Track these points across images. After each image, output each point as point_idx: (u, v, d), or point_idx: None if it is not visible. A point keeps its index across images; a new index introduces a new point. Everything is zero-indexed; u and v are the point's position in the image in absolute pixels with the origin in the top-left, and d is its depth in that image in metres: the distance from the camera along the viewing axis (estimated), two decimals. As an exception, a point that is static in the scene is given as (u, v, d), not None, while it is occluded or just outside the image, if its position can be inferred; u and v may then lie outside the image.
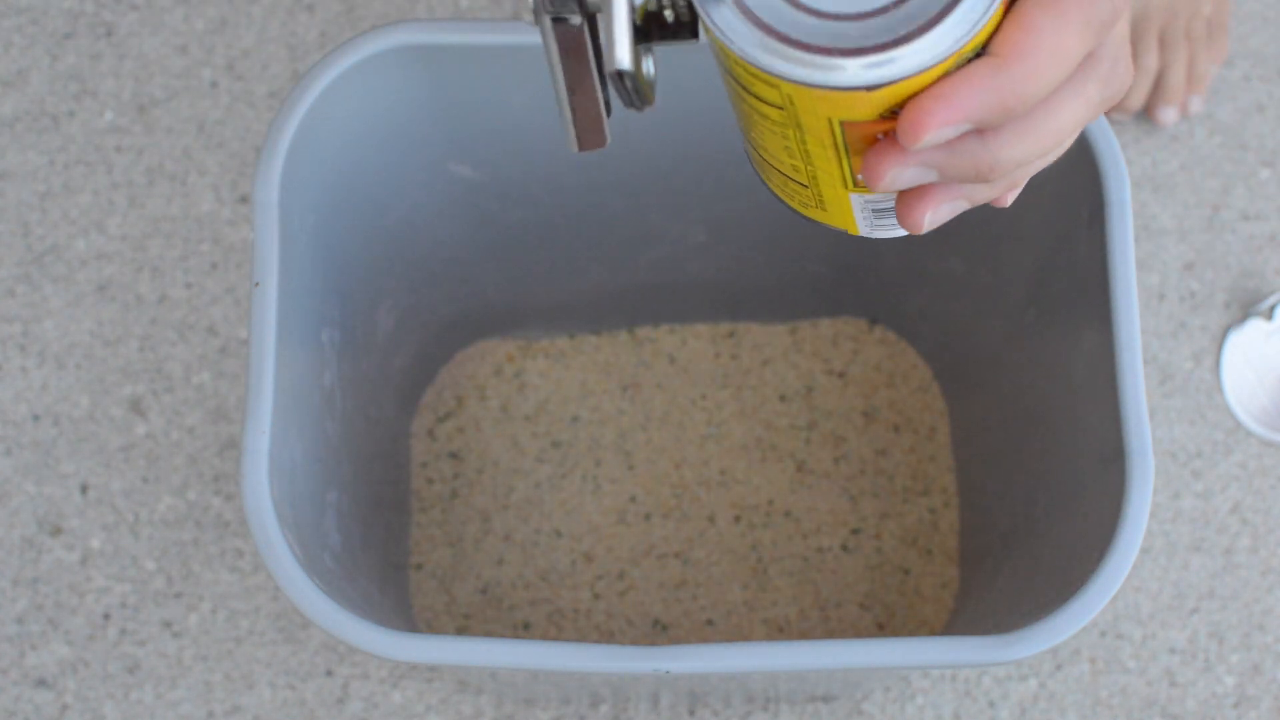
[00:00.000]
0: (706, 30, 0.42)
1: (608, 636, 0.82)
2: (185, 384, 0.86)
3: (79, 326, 0.87)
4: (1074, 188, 0.62)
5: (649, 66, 0.45)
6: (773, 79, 0.41)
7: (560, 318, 0.84)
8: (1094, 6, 0.40)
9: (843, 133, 0.42)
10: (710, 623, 0.83)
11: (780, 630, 0.83)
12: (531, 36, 0.60)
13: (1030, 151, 0.41)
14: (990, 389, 0.78)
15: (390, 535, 0.79)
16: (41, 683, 0.82)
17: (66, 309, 0.87)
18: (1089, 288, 0.61)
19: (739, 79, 0.43)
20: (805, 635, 0.82)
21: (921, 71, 0.39)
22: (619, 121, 0.67)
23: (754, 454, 0.85)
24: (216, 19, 0.91)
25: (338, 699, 0.82)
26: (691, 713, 0.82)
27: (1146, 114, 0.89)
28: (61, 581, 0.84)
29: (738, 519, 0.84)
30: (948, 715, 0.82)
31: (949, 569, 0.83)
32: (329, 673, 0.82)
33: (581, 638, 0.82)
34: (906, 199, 0.43)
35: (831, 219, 0.47)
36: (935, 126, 0.40)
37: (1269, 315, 0.87)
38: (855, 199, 0.45)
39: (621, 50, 0.43)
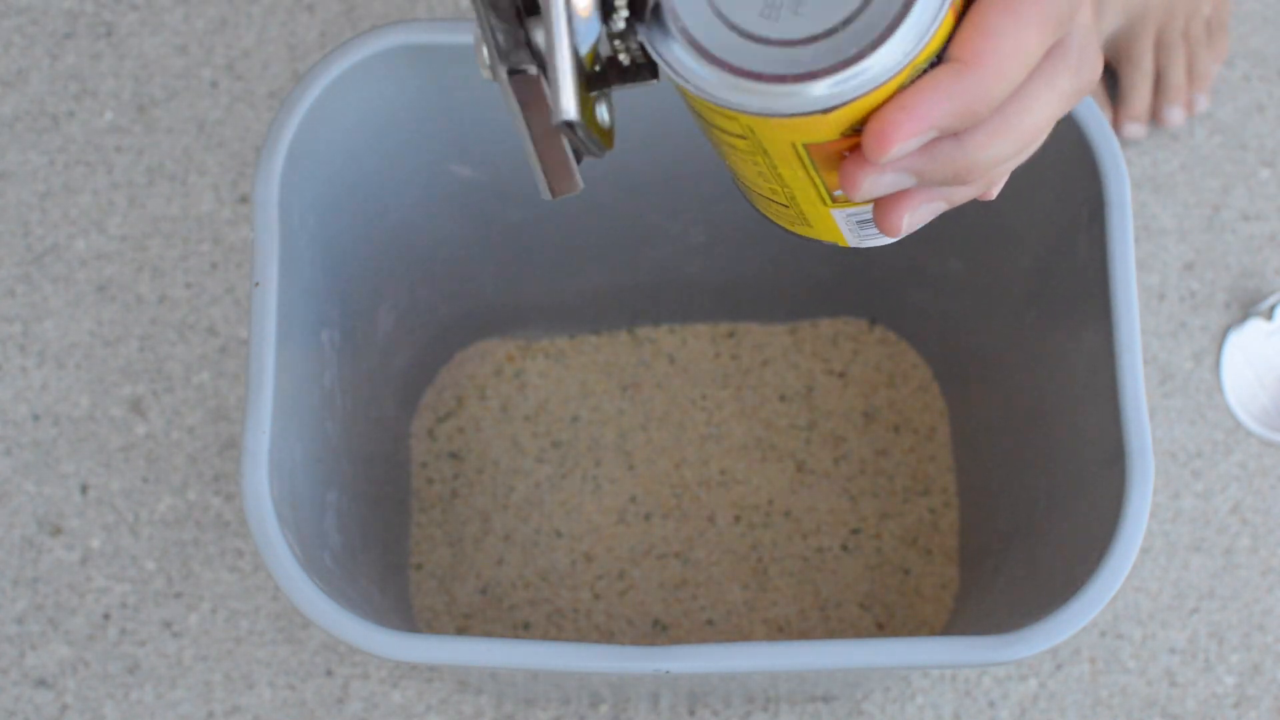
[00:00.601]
0: (659, 66, 0.41)
1: (608, 636, 0.82)
2: (185, 384, 0.86)
3: (79, 326, 0.87)
4: (1074, 188, 0.62)
5: (603, 114, 0.44)
6: (729, 112, 0.40)
7: (560, 318, 0.84)
8: (1051, 4, 0.39)
9: (809, 154, 0.42)
10: (710, 623, 0.83)
11: (780, 630, 0.83)
12: (531, 36, 0.60)
13: (1007, 150, 0.41)
14: (990, 389, 0.78)
15: (390, 535, 0.79)
16: (41, 683, 0.82)
17: (66, 309, 0.87)
18: (1089, 288, 0.61)
19: (699, 112, 0.42)
20: (805, 635, 0.82)
21: (875, 88, 0.39)
22: (621, 122, 0.67)
23: (754, 454, 0.85)
24: (216, 19, 0.91)
25: (338, 699, 0.82)
26: (691, 713, 0.82)
27: (1153, 116, 0.89)
28: (61, 581, 0.84)
29: (738, 519, 0.84)
30: (948, 715, 0.82)
31: (949, 569, 0.83)
32: (329, 673, 0.82)
33: (581, 638, 0.82)
34: (882, 204, 0.43)
35: (818, 234, 0.47)
36: (900, 139, 0.39)
37: (1269, 315, 0.87)
38: (837, 214, 0.45)
39: (567, 102, 0.41)
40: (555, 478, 0.84)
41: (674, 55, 0.40)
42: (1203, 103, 0.88)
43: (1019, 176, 0.67)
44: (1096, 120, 0.61)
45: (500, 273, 0.79)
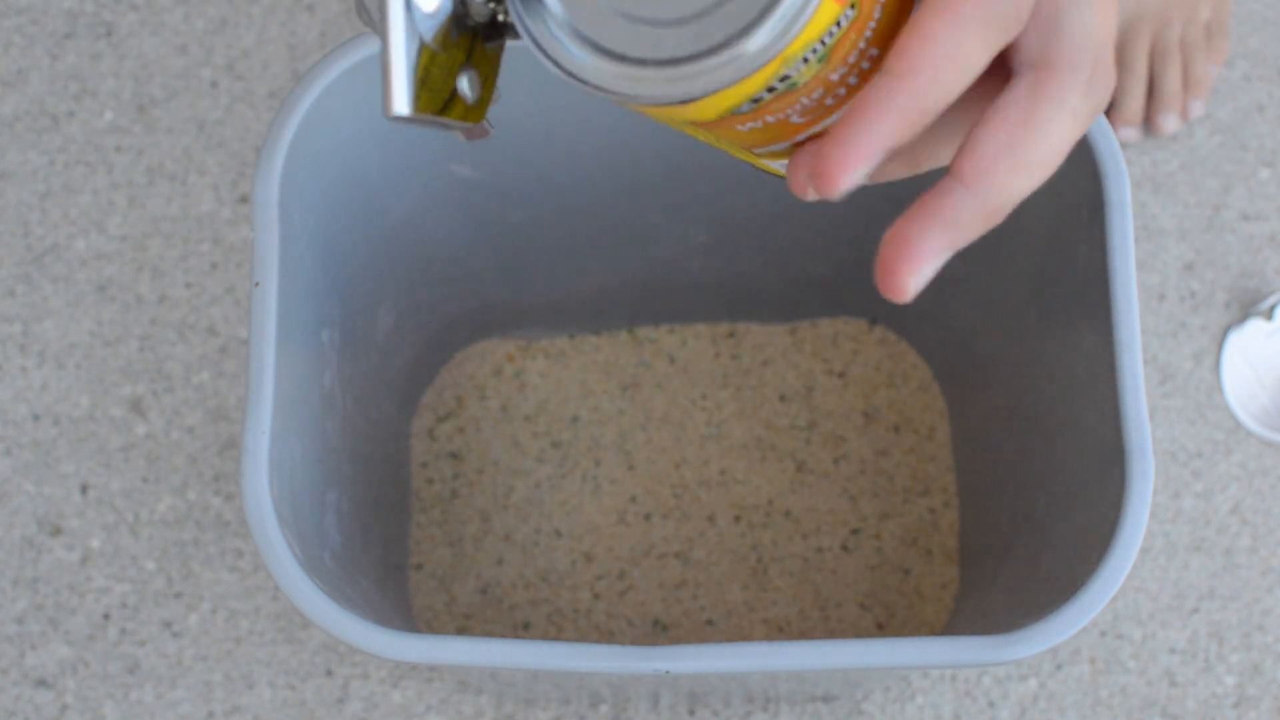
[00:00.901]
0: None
1: (608, 636, 0.82)
2: (185, 384, 0.86)
3: (79, 326, 0.87)
4: (1074, 188, 0.62)
5: (465, 87, 0.42)
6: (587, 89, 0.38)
7: (560, 318, 0.84)
8: (994, 6, 0.37)
9: (702, 128, 0.40)
10: (710, 623, 0.83)
11: (780, 630, 0.83)
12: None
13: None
14: (990, 389, 0.78)
15: (390, 535, 0.79)
16: (41, 683, 0.82)
17: (66, 309, 0.87)
18: (1089, 288, 0.61)
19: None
20: (805, 635, 0.82)
21: (741, 79, 0.37)
22: (620, 122, 0.67)
23: (754, 454, 0.85)
24: (216, 19, 0.91)
25: (338, 699, 0.82)
26: (691, 713, 0.82)
27: (1147, 122, 0.89)
28: (61, 581, 0.84)
29: (738, 519, 0.84)
30: (948, 715, 0.82)
31: (949, 569, 0.83)
32: (329, 673, 0.82)
33: (581, 638, 0.82)
34: (888, 263, 0.40)
35: (776, 173, 0.44)
36: (847, 175, 0.37)
37: (1269, 315, 0.87)
38: (773, 163, 0.43)
39: (397, 97, 0.39)
40: (555, 478, 0.84)
41: (536, 30, 0.38)
42: (1198, 108, 0.88)
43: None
44: (1097, 120, 0.61)
45: (500, 273, 0.79)
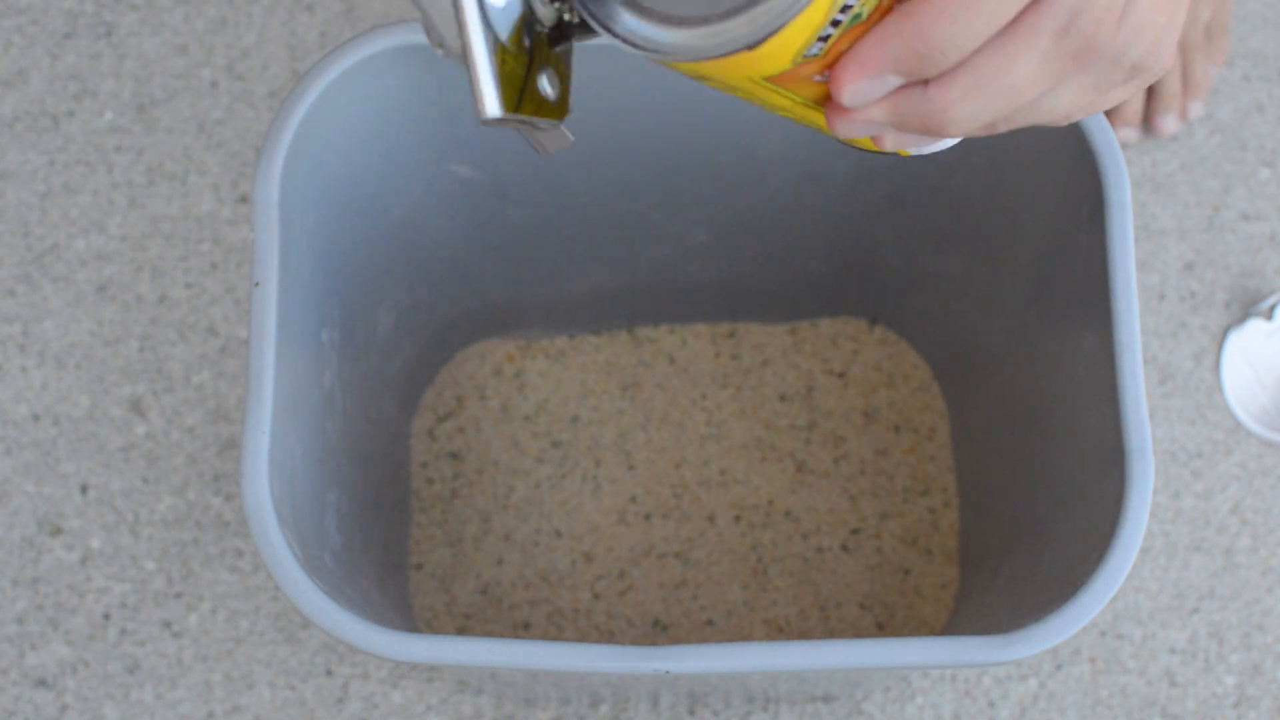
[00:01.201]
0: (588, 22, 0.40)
1: (608, 636, 0.82)
2: (185, 384, 0.86)
3: (79, 326, 0.87)
4: (1074, 188, 0.62)
5: (545, 86, 0.42)
6: (671, 64, 0.39)
7: (560, 318, 0.84)
8: None
9: (780, 88, 0.40)
10: (710, 623, 0.83)
11: (780, 630, 0.83)
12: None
13: (982, 111, 0.39)
14: (990, 389, 0.78)
15: (390, 535, 0.79)
16: (41, 683, 0.82)
17: (66, 309, 0.87)
18: (1089, 287, 0.61)
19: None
20: (805, 635, 0.82)
21: (794, 16, 0.37)
22: (619, 121, 0.67)
23: (754, 454, 0.85)
24: (216, 19, 0.91)
25: (338, 699, 0.82)
26: (691, 713, 0.82)
27: (1147, 123, 0.89)
28: (61, 581, 0.84)
29: (738, 519, 0.84)
30: (948, 715, 0.82)
31: (949, 569, 0.83)
32: (329, 673, 0.82)
33: (581, 638, 0.82)
34: (836, 70, 0.41)
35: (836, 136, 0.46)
36: (849, 82, 0.38)
37: (1269, 315, 0.87)
38: None
39: (489, 100, 0.40)
40: (555, 478, 0.84)
41: (602, 14, 0.39)
42: (1197, 109, 0.88)
43: (1019, 176, 0.67)
44: (1096, 120, 0.61)
45: (500, 273, 0.79)
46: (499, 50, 0.40)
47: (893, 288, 0.82)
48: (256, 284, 0.58)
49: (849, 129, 0.41)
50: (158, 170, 0.89)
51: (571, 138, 0.46)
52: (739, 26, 0.38)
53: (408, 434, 0.84)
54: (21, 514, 0.84)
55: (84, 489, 0.85)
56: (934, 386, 0.85)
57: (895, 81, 0.39)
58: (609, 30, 0.39)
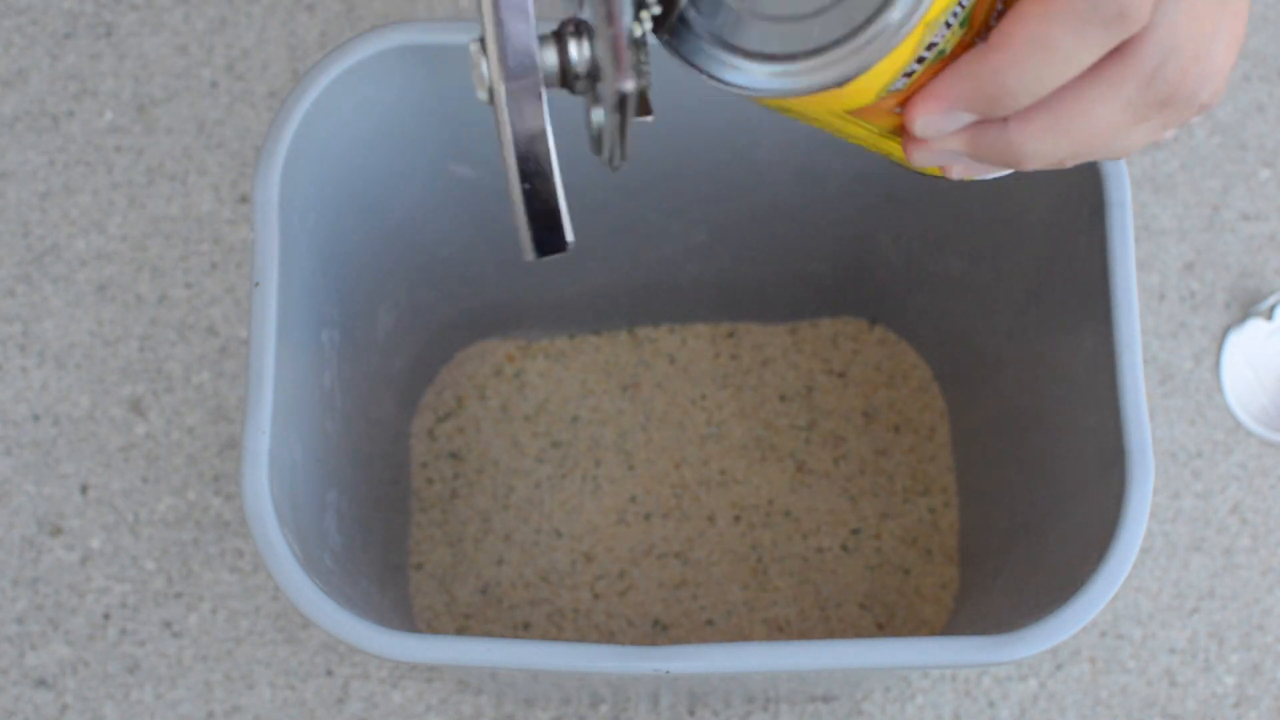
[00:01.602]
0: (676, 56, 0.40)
1: (608, 636, 0.82)
2: (185, 384, 0.86)
3: (79, 326, 0.87)
4: (1074, 188, 0.62)
5: (599, 116, 0.42)
6: (755, 97, 0.40)
7: (560, 318, 0.84)
8: (1092, 2, 0.38)
9: (862, 120, 0.41)
10: (710, 623, 0.83)
11: (780, 630, 0.83)
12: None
13: (1059, 150, 0.40)
14: (990, 389, 0.78)
15: (390, 535, 0.79)
16: (41, 683, 0.82)
17: (66, 309, 0.87)
18: (1089, 288, 0.61)
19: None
20: (805, 635, 0.82)
21: (885, 55, 0.38)
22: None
23: (754, 454, 0.85)
24: (216, 19, 0.91)
25: (338, 699, 0.82)
26: (691, 713, 0.82)
27: None
28: (61, 581, 0.84)
29: (738, 519, 0.84)
30: (948, 715, 0.82)
31: (949, 569, 0.83)
32: (329, 673, 0.82)
33: (581, 638, 0.82)
34: (909, 106, 0.42)
35: (908, 165, 0.46)
36: (922, 115, 0.39)
37: (1269, 315, 0.87)
38: None
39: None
40: (555, 478, 0.84)
41: (689, 51, 0.40)
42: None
43: (1019, 176, 0.66)
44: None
45: (500, 273, 0.79)
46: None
47: (893, 288, 0.82)
48: (256, 284, 0.58)
49: (925, 159, 0.41)
50: (158, 170, 0.89)
51: (571, 239, 0.46)
52: (830, 65, 0.38)
53: (408, 434, 0.84)
54: (21, 514, 0.84)
55: (84, 489, 0.85)
56: (934, 386, 0.85)
57: (967, 117, 0.39)
58: (699, 69, 0.40)
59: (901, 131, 0.42)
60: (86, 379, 0.86)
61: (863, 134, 0.42)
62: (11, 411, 0.86)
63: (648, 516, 0.84)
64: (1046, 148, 0.40)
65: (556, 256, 0.80)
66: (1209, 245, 0.88)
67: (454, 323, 0.83)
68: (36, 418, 0.86)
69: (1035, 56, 0.38)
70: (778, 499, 0.84)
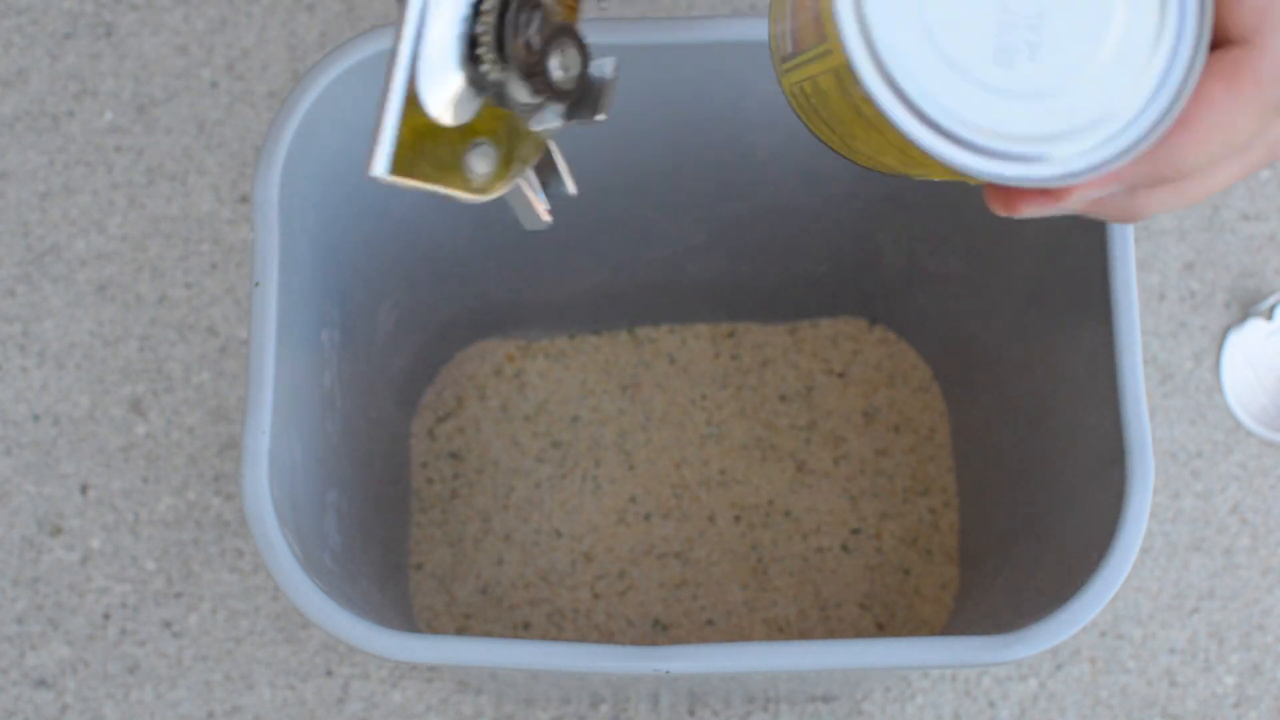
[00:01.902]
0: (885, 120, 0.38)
1: (608, 636, 0.82)
2: (185, 384, 0.86)
3: (79, 326, 0.87)
4: (1074, 188, 0.62)
5: (475, 164, 0.42)
6: (946, 170, 0.38)
7: (560, 318, 0.84)
8: (1276, 87, 0.38)
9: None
10: (710, 623, 0.83)
11: (780, 630, 0.83)
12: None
13: (1174, 205, 0.40)
14: (990, 389, 0.78)
15: (390, 535, 0.79)
16: (41, 683, 0.82)
17: (66, 309, 0.87)
18: (1089, 288, 0.61)
19: (888, 145, 0.39)
20: (805, 635, 0.82)
21: (1127, 160, 0.37)
22: (619, 121, 0.67)
23: (754, 454, 0.85)
24: (216, 19, 0.91)
25: (338, 699, 0.82)
26: (691, 713, 0.82)
27: None
28: (61, 581, 0.84)
29: (738, 519, 0.84)
30: (948, 715, 0.82)
31: (949, 569, 0.83)
32: (329, 673, 0.82)
33: (581, 638, 0.82)
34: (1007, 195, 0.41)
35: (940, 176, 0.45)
36: (1082, 193, 0.39)
37: (1269, 315, 0.87)
38: None
39: (378, 157, 0.39)
40: (555, 478, 0.84)
41: (898, 113, 0.37)
42: None
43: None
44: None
45: (500, 273, 0.79)
46: (416, 119, 0.40)
47: (893, 288, 0.82)
48: (256, 284, 0.58)
49: (1034, 212, 0.41)
50: (158, 170, 0.89)
51: (547, 219, 0.45)
52: (1078, 158, 0.37)
53: (408, 434, 0.84)
54: (21, 514, 0.84)
55: (84, 489, 0.85)
56: (934, 386, 0.85)
57: (1118, 190, 0.39)
58: (946, 161, 0.38)
59: (1008, 193, 0.40)
60: (86, 379, 0.86)
61: (937, 173, 0.41)
62: (11, 411, 0.86)
63: (648, 516, 0.84)
64: (1164, 207, 0.40)
65: (556, 256, 0.80)
66: (1209, 245, 0.88)
67: (454, 323, 0.83)
68: (36, 418, 0.86)
69: (1216, 139, 0.38)
70: (778, 499, 0.84)
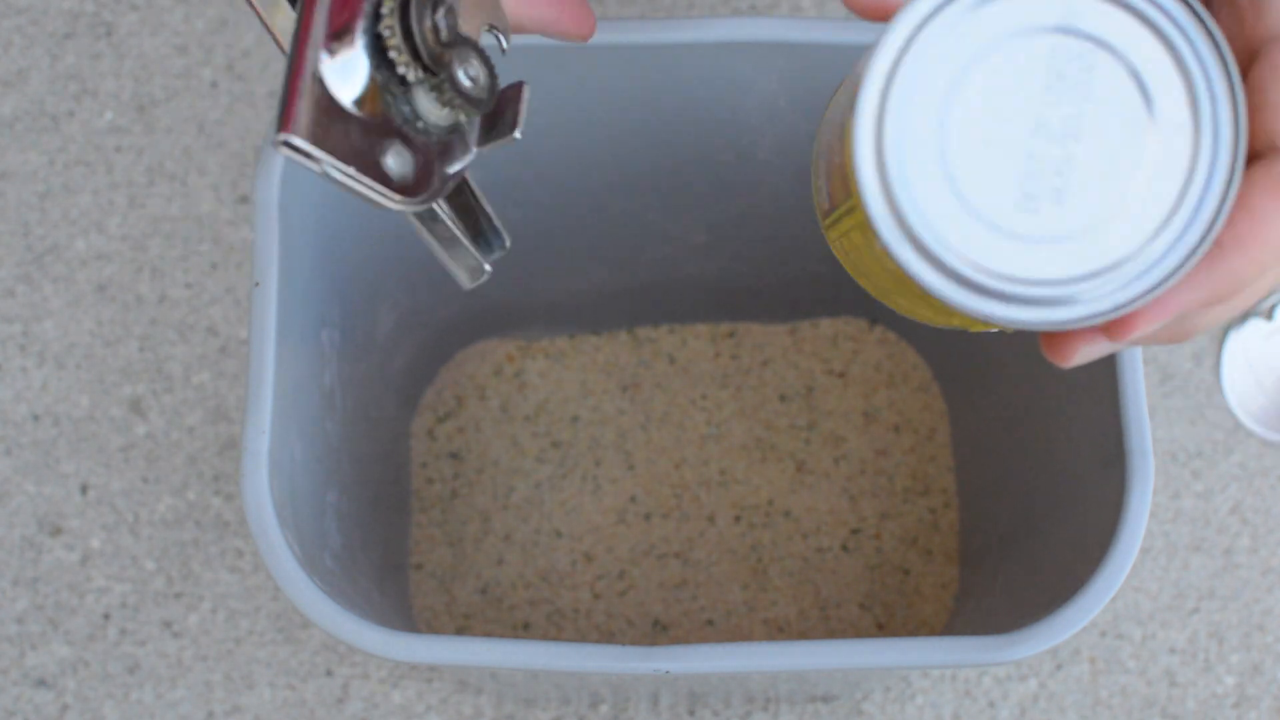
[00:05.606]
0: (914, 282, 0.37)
1: (608, 636, 0.82)
2: (185, 384, 0.86)
3: (79, 326, 0.87)
4: (1074, 188, 0.62)
5: (391, 163, 0.41)
6: (972, 320, 0.37)
7: (560, 318, 0.84)
8: None
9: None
10: (710, 623, 0.83)
11: (780, 630, 0.83)
12: (528, 36, 0.60)
13: (1227, 319, 0.39)
14: (990, 389, 0.78)
15: (390, 535, 0.79)
16: (41, 683, 0.82)
17: (66, 309, 0.87)
18: (1089, 288, 0.61)
19: (905, 291, 0.39)
20: (805, 635, 0.82)
21: (1160, 293, 0.36)
22: (619, 121, 0.67)
23: (754, 454, 0.85)
24: (216, 19, 0.91)
25: (338, 699, 0.82)
26: (691, 713, 0.82)
27: None
28: (61, 581, 0.84)
29: (738, 519, 0.84)
30: (948, 715, 0.82)
31: (949, 569, 0.83)
32: (329, 673, 0.82)
33: (581, 638, 0.82)
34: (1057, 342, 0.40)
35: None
36: (1144, 329, 0.37)
37: (1269, 315, 0.87)
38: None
39: (289, 117, 0.38)
40: (555, 478, 0.84)
41: (920, 267, 0.37)
42: None
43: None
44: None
45: (500, 272, 0.79)
46: (336, 105, 0.39)
47: (893, 288, 0.82)
48: (256, 284, 0.58)
49: (1087, 356, 0.39)
50: (158, 170, 0.89)
51: (488, 270, 0.45)
52: (1099, 300, 0.36)
53: (408, 434, 0.84)
54: (21, 514, 0.84)
55: (84, 489, 0.85)
56: (934, 386, 0.85)
57: (1184, 315, 0.38)
58: (967, 311, 0.37)
59: (1062, 339, 0.39)
60: (86, 379, 0.86)
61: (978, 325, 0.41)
62: (11, 411, 0.86)
63: (648, 516, 0.84)
64: (1216, 323, 0.39)
65: (556, 256, 0.80)
66: (1209, 245, 0.88)
67: (454, 323, 0.83)
68: (36, 418, 0.86)
69: (1270, 253, 0.37)
70: (778, 499, 0.84)
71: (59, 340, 0.87)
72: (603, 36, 0.60)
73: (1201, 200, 0.36)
